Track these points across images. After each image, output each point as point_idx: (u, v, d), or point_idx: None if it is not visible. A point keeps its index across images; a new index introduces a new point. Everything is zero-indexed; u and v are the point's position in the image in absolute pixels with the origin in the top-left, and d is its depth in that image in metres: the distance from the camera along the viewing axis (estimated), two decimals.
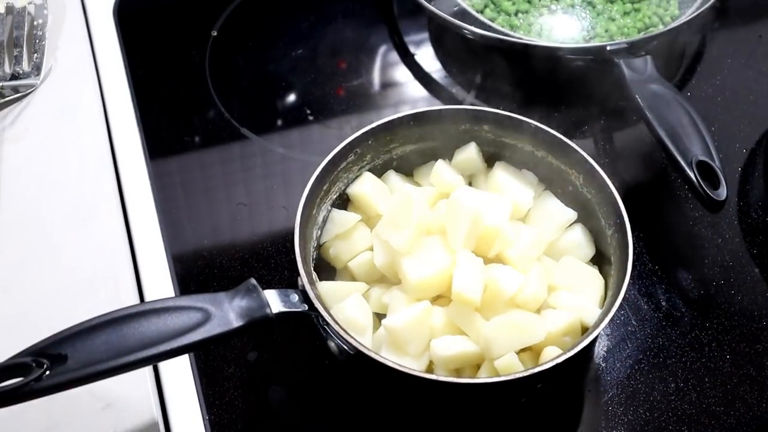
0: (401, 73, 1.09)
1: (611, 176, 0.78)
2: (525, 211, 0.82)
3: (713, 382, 0.79)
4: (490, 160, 0.85)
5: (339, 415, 0.77)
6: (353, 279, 0.79)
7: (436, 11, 1.01)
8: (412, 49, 1.11)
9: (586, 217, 0.81)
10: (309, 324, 0.72)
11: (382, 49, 1.11)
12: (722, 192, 0.82)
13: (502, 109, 0.83)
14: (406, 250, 0.74)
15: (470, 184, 0.85)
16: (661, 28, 1.04)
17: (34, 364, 0.61)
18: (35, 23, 1.04)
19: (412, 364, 0.71)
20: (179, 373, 0.78)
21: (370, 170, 0.84)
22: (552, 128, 0.81)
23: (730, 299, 0.84)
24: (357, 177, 0.83)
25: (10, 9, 1.04)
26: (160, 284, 0.84)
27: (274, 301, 0.69)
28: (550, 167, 0.83)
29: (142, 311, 0.65)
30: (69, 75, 1.02)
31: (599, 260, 0.80)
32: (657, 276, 0.86)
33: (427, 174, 0.85)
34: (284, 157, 0.98)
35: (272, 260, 0.87)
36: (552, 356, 0.69)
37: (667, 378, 0.79)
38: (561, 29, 1.06)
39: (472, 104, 1.03)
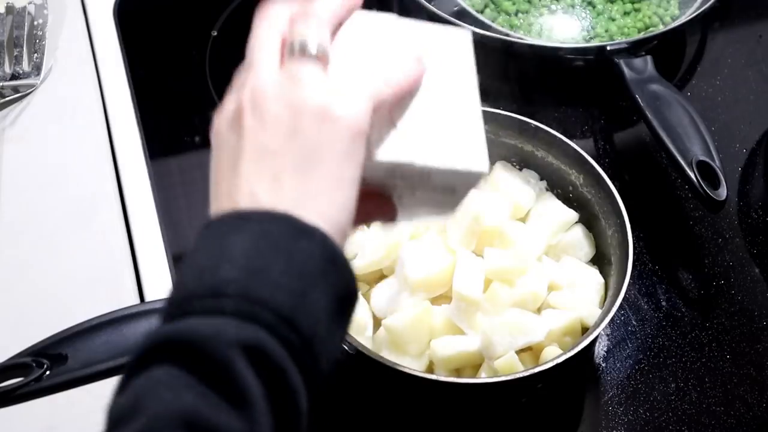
0: None
1: (611, 176, 0.78)
2: (525, 211, 0.81)
3: (713, 382, 0.79)
4: (490, 160, 0.85)
5: (339, 415, 0.77)
6: None
7: (436, 11, 1.01)
8: None
9: (586, 217, 0.81)
10: None
11: None
12: (722, 192, 0.82)
13: (502, 110, 0.83)
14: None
15: None
16: (661, 28, 1.04)
17: (34, 364, 0.61)
18: (35, 23, 1.04)
19: (412, 364, 0.71)
20: None
21: None
22: (552, 128, 0.81)
23: (730, 299, 0.84)
24: None
25: (10, 9, 1.04)
26: (160, 284, 0.84)
27: None
28: (550, 167, 0.83)
29: (142, 311, 0.65)
30: (69, 75, 1.02)
31: (599, 260, 0.80)
32: (657, 276, 0.86)
33: None
34: None
35: None
36: (552, 356, 0.69)
37: (667, 378, 0.79)
38: (561, 29, 1.06)
39: None
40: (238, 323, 0.41)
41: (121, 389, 0.42)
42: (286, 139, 0.46)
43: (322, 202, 0.45)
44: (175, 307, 0.43)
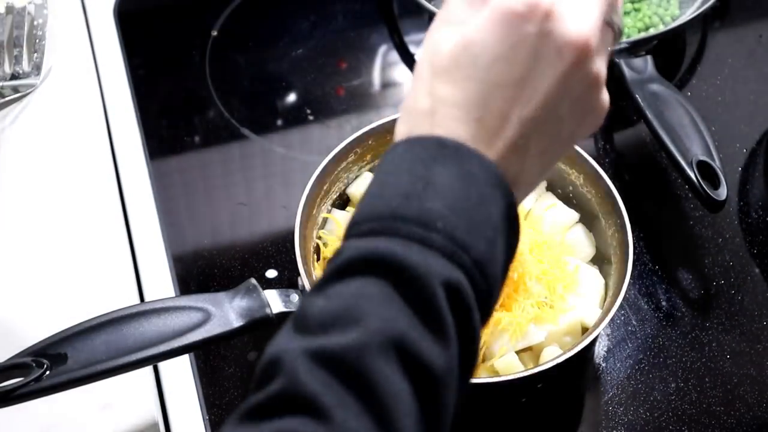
0: (401, 73, 1.09)
1: (611, 176, 0.78)
2: (525, 211, 0.82)
3: (713, 382, 0.79)
4: None
5: None
6: None
7: (437, 11, 1.01)
8: (412, 49, 1.11)
9: (586, 217, 0.81)
10: None
11: (382, 49, 1.11)
12: (722, 192, 0.82)
13: None
14: None
15: None
16: (661, 28, 1.04)
17: (34, 364, 0.61)
18: (35, 23, 1.03)
19: None
20: (179, 373, 0.78)
21: (370, 170, 0.84)
22: None
23: (730, 299, 0.84)
24: (357, 177, 0.83)
25: (10, 9, 1.04)
26: (160, 284, 0.84)
27: (275, 301, 0.69)
28: None
29: (142, 311, 0.65)
30: (69, 75, 1.02)
31: (599, 260, 0.80)
32: (657, 276, 0.86)
33: None
34: (284, 157, 0.98)
35: (272, 260, 0.87)
36: (552, 356, 0.69)
37: (667, 378, 0.79)
38: None
39: None
40: (444, 262, 0.42)
41: (319, 290, 0.42)
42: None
43: (532, 172, 0.47)
44: (377, 221, 0.43)
